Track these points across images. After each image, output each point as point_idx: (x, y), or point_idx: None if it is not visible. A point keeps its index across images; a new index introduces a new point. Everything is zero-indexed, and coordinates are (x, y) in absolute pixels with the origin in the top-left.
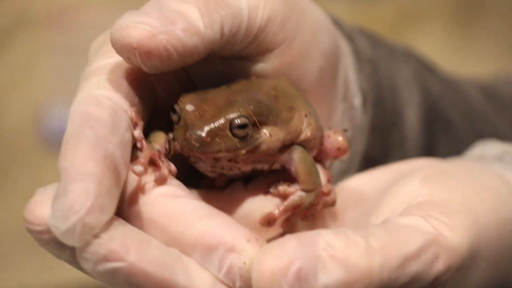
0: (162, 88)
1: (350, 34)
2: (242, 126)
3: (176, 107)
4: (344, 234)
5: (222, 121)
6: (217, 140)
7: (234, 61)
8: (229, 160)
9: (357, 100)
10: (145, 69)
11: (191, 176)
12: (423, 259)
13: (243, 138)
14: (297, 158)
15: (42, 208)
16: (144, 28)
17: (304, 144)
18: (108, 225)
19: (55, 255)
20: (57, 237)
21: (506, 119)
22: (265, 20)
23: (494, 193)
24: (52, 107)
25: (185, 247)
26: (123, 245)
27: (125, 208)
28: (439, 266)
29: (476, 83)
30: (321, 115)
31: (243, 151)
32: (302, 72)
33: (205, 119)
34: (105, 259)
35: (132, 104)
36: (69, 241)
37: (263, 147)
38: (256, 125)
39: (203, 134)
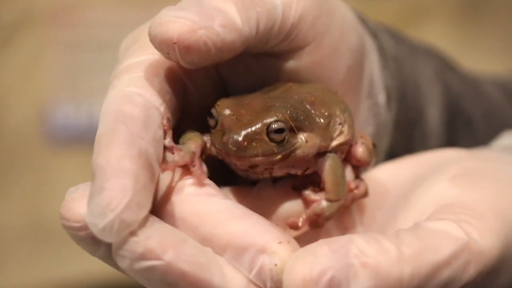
0: (193, 86)
1: (374, 31)
2: (279, 131)
3: (213, 111)
4: (376, 240)
5: (259, 125)
6: (254, 144)
7: (265, 59)
8: (265, 168)
9: (381, 97)
10: (183, 64)
11: (222, 173)
12: (454, 266)
13: (280, 143)
14: (328, 166)
15: (79, 205)
16: (184, 22)
17: (335, 150)
18: (144, 222)
19: (90, 252)
20: (93, 234)
21: None
22: (298, 17)
23: None
24: (57, 105)
25: (216, 247)
26: (160, 244)
27: (158, 206)
28: (471, 271)
29: (495, 80)
30: None
31: (280, 156)
32: (331, 70)
33: (242, 123)
34: (142, 257)
35: (163, 102)
36: (106, 238)
37: (299, 152)
38: (293, 130)
39: (240, 138)
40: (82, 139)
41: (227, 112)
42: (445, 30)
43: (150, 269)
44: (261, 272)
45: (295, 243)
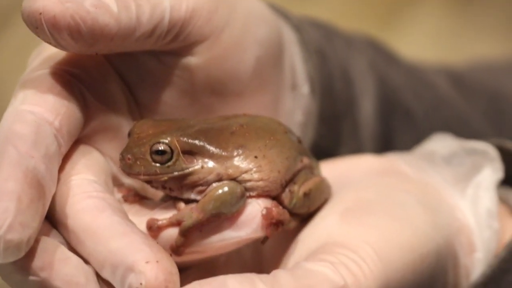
0: (93, 96)
1: (297, 25)
2: (161, 152)
3: (130, 130)
4: (251, 281)
5: (145, 145)
6: (138, 163)
7: (163, 57)
8: (163, 187)
9: (305, 88)
10: (55, 44)
11: None
12: None
13: (163, 164)
14: (216, 186)
15: None
16: None
17: (252, 186)
18: (35, 240)
19: None
20: None
21: (474, 106)
22: (190, 12)
23: (413, 229)
24: None
25: (97, 262)
26: (40, 261)
27: (58, 218)
28: None
29: (446, 71)
30: (267, 104)
31: (165, 177)
32: (236, 62)
33: (138, 142)
34: (20, 271)
35: (58, 116)
36: None
37: (194, 177)
38: (186, 154)
39: (127, 156)
40: None
41: (137, 130)
42: (441, 11)
43: (27, 282)
44: None
45: (166, 263)
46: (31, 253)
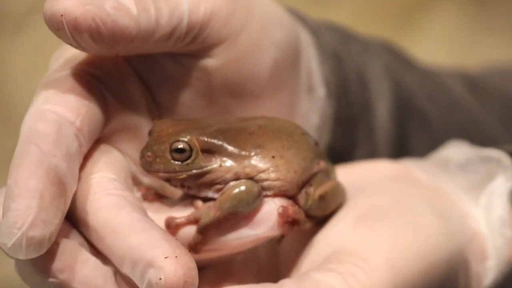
0: (113, 97)
1: (314, 28)
2: (180, 151)
3: (151, 128)
4: None
5: (165, 143)
6: (158, 160)
7: (182, 58)
8: (182, 185)
9: (321, 91)
10: (77, 46)
11: None
12: None
13: (182, 162)
14: (233, 185)
15: None
16: None
17: (269, 185)
18: (55, 238)
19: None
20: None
21: (489, 110)
22: (208, 15)
23: (425, 236)
24: None
25: (117, 259)
26: (60, 263)
27: (77, 215)
28: None
29: (461, 75)
30: (284, 106)
31: (183, 175)
32: (254, 65)
33: (158, 140)
34: (39, 272)
35: (79, 115)
36: (18, 256)
37: (212, 175)
38: (205, 152)
39: (147, 153)
40: None
41: (157, 128)
42: (455, 15)
43: (46, 284)
44: (149, 285)
45: (185, 258)
46: (51, 255)
